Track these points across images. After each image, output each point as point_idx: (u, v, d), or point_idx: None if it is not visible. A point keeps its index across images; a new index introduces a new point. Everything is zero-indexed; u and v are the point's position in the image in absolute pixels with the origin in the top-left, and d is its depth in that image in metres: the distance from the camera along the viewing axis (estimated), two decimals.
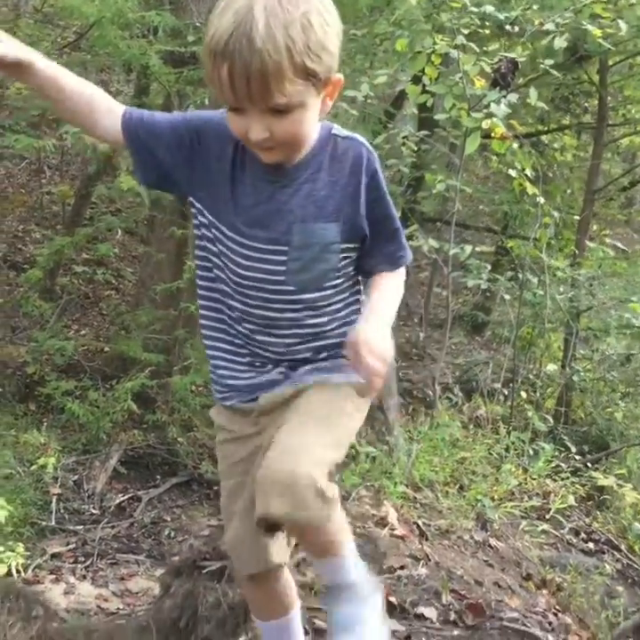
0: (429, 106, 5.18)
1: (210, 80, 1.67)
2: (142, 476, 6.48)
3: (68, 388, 6.50)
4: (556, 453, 5.01)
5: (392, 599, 2.71)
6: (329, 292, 1.93)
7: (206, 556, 3.57)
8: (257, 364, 2.00)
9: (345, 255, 1.92)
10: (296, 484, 1.73)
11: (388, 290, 1.97)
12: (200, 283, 2.03)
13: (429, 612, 2.71)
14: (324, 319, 1.95)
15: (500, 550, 3.96)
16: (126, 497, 6.23)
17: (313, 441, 1.82)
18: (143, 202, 6.96)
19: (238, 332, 1.99)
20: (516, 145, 4.78)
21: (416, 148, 5.01)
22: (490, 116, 4.27)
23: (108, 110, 1.87)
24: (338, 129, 1.90)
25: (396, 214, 1.97)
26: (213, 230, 1.93)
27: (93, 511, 6.00)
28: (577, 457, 5.17)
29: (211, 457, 6.55)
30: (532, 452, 4.90)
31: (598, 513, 4.85)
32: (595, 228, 7.63)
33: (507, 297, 5.94)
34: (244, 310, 1.94)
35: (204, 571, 3.41)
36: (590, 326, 6.63)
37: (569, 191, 7.70)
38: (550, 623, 3.01)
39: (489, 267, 5.52)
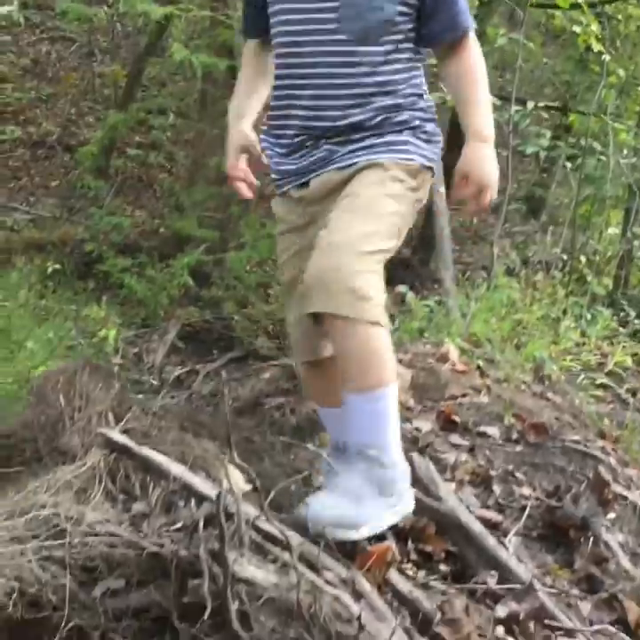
0: None
1: None
2: (199, 351, 6.60)
3: (126, 266, 6.60)
4: (615, 319, 4.97)
5: (455, 418, 2.75)
6: (388, 47, 1.90)
7: (268, 394, 3.64)
8: (307, 144, 1.97)
9: (402, 9, 1.88)
10: (329, 281, 1.77)
11: (472, 75, 1.92)
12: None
13: (492, 431, 2.75)
14: (381, 79, 1.91)
15: (557, 403, 3.97)
16: (184, 370, 6.37)
17: (349, 235, 1.82)
18: (194, 79, 6.93)
19: (294, 107, 1.97)
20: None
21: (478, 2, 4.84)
22: None
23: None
24: None
25: None
26: None
27: (153, 382, 6.17)
28: (636, 321, 5.12)
29: (266, 333, 6.63)
30: (589, 317, 4.86)
31: None
32: None
33: (568, 165, 5.78)
34: (301, 73, 1.93)
35: (266, 406, 3.49)
36: None
37: (633, 68, 7.39)
38: (609, 454, 3.03)
39: (549, 133, 5.37)
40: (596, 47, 4.82)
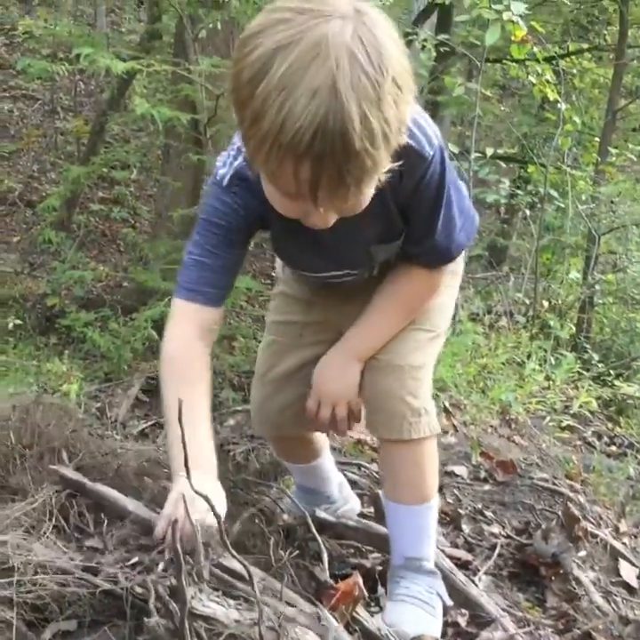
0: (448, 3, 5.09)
1: (266, 166, 1.28)
2: None
3: (89, 320, 6.52)
4: (579, 363, 5.00)
5: None
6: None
7: (232, 441, 3.58)
8: None
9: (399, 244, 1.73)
10: (397, 414, 1.70)
11: (402, 303, 1.73)
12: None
13: (460, 470, 2.72)
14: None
15: (524, 445, 3.95)
16: (149, 424, 6.23)
17: (406, 356, 1.72)
18: (157, 134, 6.95)
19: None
20: (536, 49, 4.70)
21: (435, 54, 4.94)
22: (508, 8, 4.20)
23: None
24: None
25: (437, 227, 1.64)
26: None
27: (116, 437, 6.02)
28: (599, 365, 5.14)
29: (231, 385, 6.56)
30: (553, 361, 4.88)
31: (621, 419, 4.83)
32: (614, 158, 7.49)
33: (528, 212, 5.86)
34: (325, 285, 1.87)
35: (231, 453, 3.42)
36: (611, 250, 6.57)
37: (589, 118, 7.56)
38: (578, 491, 3.00)
39: (508, 182, 5.46)
40: (552, 96, 4.93)
